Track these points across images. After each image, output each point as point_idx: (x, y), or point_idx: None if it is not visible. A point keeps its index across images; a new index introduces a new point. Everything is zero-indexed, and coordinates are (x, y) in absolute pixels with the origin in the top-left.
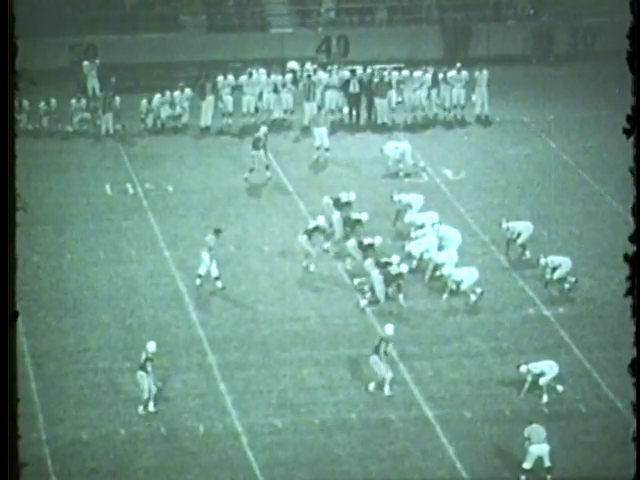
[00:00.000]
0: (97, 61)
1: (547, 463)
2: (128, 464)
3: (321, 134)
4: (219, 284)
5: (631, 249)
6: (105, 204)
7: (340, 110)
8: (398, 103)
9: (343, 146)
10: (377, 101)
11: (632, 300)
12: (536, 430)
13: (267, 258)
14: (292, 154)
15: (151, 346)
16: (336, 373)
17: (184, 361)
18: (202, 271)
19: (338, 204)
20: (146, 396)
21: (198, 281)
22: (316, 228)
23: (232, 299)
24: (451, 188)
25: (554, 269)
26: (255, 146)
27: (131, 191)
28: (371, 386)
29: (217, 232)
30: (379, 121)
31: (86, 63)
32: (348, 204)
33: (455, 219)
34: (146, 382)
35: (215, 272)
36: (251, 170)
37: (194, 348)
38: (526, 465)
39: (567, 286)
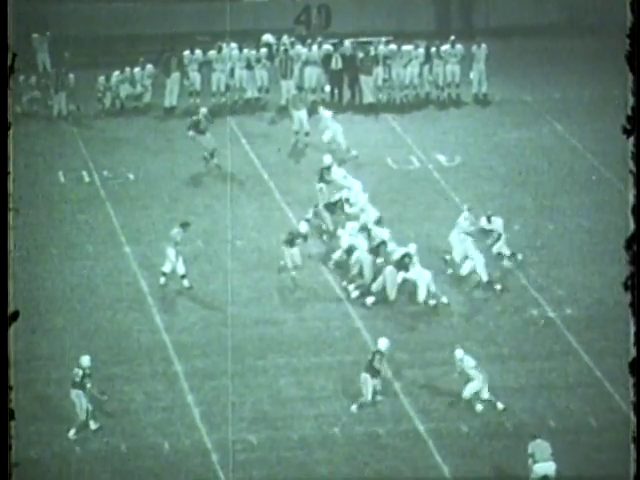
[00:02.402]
0: (48, 33)
1: None
2: None
3: (300, 118)
4: (186, 283)
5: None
6: (58, 194)
7: (321, 89)
8: (385, 81)
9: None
10: (362, 78)
11: (632, 299)
12: (541, 446)
13: (239, 254)
14: (267, 137)
15: (85, 360)
16: (317, 383)
17: (147, 369)
18: (167, 269)
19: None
20: (83, 417)
21: (162, 280)
22: (298, 235)
23: (200, 300)
24: (445, 175)
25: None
26: (197, 130)
27: (87, 179)
28: (353, 407)
29: (184, 225)
30: (364, 101)
31: (36, 36)
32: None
33: (449, 210)
34: (84, 402)
35: (181, 270)
36: (211, 154)
37: (158, 355)
38: None
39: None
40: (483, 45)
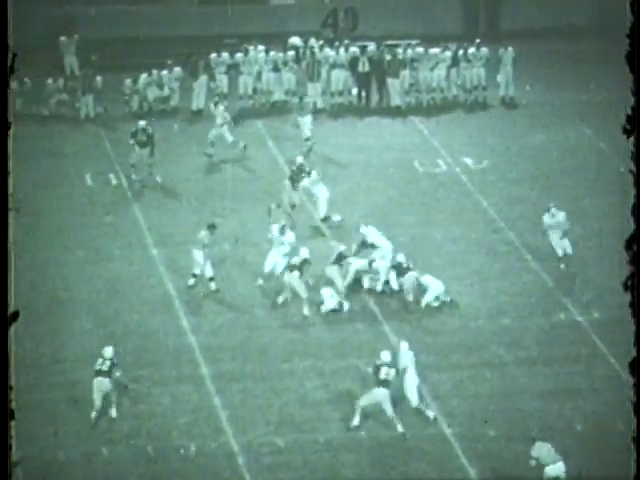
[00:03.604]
0: (76, 36)
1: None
2: None
3: (303, 124)
4: (213, 286)
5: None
6: (85, 196)
7: (348, 91)
8: (412, 84)
9: (351, 132)
10: (389, 81)
11: (631, 299)
12: (544, 448)
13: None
14: (294, 140)
15: (109, 351)
16: (343, 386)
17: (173, 372)
18: (197, 271)
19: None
20: (99, 404)
21: (191, 281)
22: (304, 262)
23: (227, 303)
24: (472, 178)
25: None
26: (135, 140)
27: (114, 182)
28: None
29: (211, 228)
30: (392, 104)
31: (63, 38)
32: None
33: (476, 213)
34: (107, 389)
35: (209, 272)
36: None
37: (185, 358)
38: None
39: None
40: (510, 48)
